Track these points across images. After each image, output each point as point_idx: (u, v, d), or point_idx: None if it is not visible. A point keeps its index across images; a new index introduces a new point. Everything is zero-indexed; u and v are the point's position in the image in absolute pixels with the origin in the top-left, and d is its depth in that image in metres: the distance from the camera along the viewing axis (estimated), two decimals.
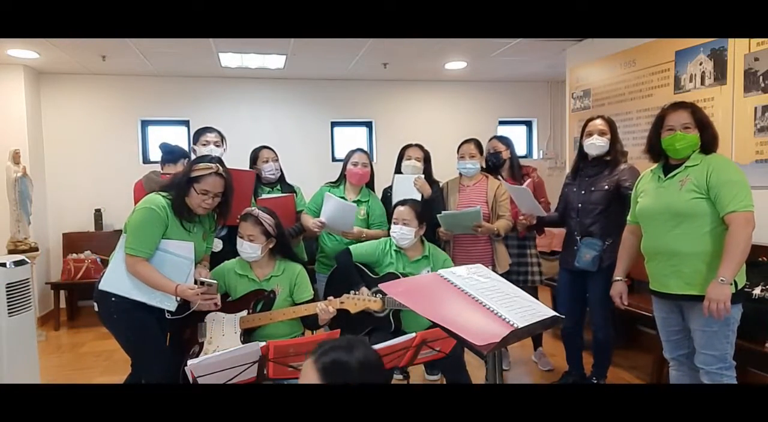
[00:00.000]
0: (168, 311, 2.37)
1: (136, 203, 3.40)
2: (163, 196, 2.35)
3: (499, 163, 3.61)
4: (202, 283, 2.31)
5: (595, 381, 3.16)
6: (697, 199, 2.16)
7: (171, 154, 3.35)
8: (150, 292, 2.31)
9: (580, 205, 3.05)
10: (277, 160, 3.43)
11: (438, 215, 3.12)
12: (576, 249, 3.03)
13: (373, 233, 3.16)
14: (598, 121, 3.03)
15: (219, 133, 3.32)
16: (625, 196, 2.85)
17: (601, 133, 2.99)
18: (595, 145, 2.98)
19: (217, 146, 3.23)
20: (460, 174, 3.42)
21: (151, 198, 2.35)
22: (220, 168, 2.37)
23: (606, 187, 2.97)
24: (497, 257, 3.27)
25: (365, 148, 6.31)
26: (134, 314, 2.32)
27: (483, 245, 3.27)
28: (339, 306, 2.45)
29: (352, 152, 3.28)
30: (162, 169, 3.36)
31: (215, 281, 2.36)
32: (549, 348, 3.98)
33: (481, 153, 3.38)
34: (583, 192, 3.05)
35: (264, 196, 3.29)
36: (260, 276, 2.54)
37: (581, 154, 3.12)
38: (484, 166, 3.43)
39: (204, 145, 3.19)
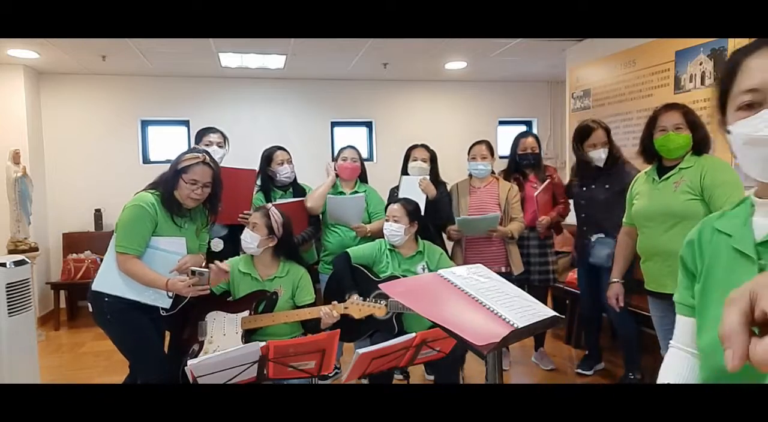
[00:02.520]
0: (162, 308, 2.36)
1: None
2: (151, 193, 2.35)
3: (536, 162, 3.58)
4: (193, 273, 2.28)
5: (632, 377, 3.21)
6: (692, 200, 2.18)
7: None
8: (142, 290, 2.30)
9: (586, 203, 3.20)
10: (291, 162, 3.39)
11: (457, 219, 3.15)
12: (590, 247, 3.16)
13: (377, 227, 3.19)
14: (601, 133, 3.13)
15: (222, 133, 3.30)
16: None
17: (604, 144, 3.13)
18: (601, 158, 3.12)
19: (220, 147, 3.22)
20: (470, 175, 3.42)
21: (139, 195, 2.35)
22: (207, 157, 2.37)
23: (607, 185, 3.09)
24: (511, 259, 3.28)
25: (365, 147, 6.37)
26: (128, 315, 2.31)
27: (496, 246, 3.29)
28: (343, 311, 2.45)
29: (343, 149, 3.39)
30: None
31: (207, 269, 2.31)
32: (549, 348, 3.98)
33: (492, 154, 3.40)
34: (584, 189, 3.19)
35: (278, 200, 3.26)
36: (263, 276, 2.54)
37: (580, 157, 3.23)
38: (493, 169, 3.45)
39: (207, 145, 3.18)
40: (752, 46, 0.85)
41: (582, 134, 3.19)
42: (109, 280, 2.32)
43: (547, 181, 3.49)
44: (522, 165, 3.56)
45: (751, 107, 0.82)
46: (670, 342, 1.08)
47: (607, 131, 3.16)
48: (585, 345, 3.73)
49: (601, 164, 3.14)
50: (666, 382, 1.02)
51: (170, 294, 2.32)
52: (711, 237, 0.95)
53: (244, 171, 3.08)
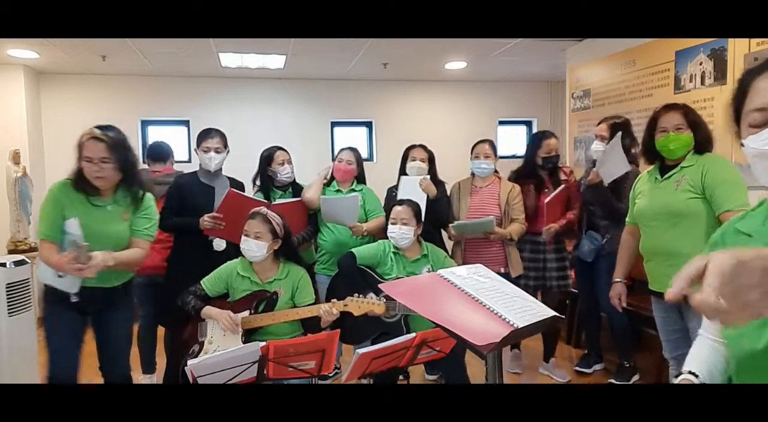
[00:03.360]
0: (73, 294, 2.28)
1: None
2: (65, 179, 2.33)
3: (557, 164, 3.53)
4: (72, 245, 2.15)
5: (626, 365, 3.29)
6: (693, 198, 2.18)
7: (159, 151, 3.59)
8: (52, 275, 2.27)
9: (588, 199, 3.27)
10: (291, 162, 3.40)
11: (451, 225, 3.16)
12: (580, 241, 3.27)
13: (374, 225, 3.18)
14: (602, 126, 3.25)
15: (221, 136, 3.18)
16: (621, 191, 3.05)
17: (602, 139, 3.18)
18: (597, 149, 3.20)
19: (218, 152, 3.09)
20: (473, 174, 3.42)
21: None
22: (98, 132, 2.26)
23: (606, 183, 3.11)
24: (510, 260, 3.27)
25: (365, 147, 6.37)
26: (52, 306, 2.33)
27: (496, 248, 3.28)
28: (342, 309, 2.44)
29: (342, 150, 3.40)
30: (149, 166, 3.52)
31: (85, 244, 2.14)
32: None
33: (495, 154, 3.39)
34: (589, 188, 3.21)
35: (278, 200, 3.26)
36: (263, 279, 2.52)
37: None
38: (496, 168, 3.44)
39: (204, 152, 3.08)
40: (760, 68, 0.94)
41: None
42: (39, 269, 2.35)
43: (562, 186, 3.35)
44: (544, 168, 3.45)
45: (762, 125, 0.91)
46: (699, 330, 1.16)
47: (612, 127, 3.19)
48: (585, 343, 3.75)
49: (594, 157, 3.22)
50: (691, 368, 1.10)
51: (61, 274, 2.25)
52: (734, 237, 1.05)
53: (256, 201, 3.05)
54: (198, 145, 3.15)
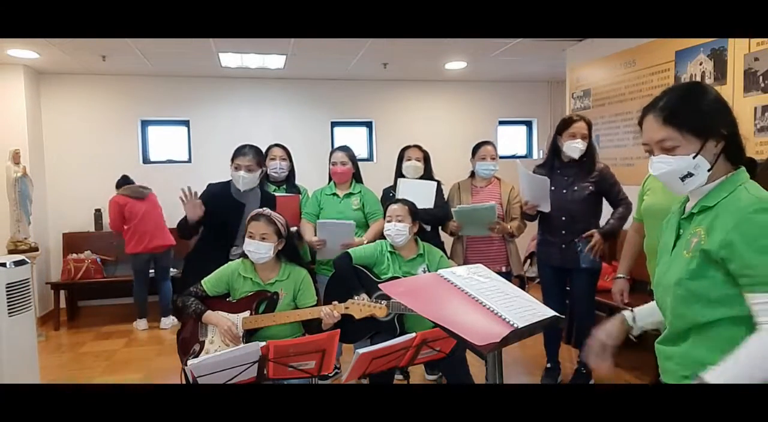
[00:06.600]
0: None
1: (113, 216, 4.54)
2: None
3: None
4: None
5: (584, 372, 3.23)
6: None
7: (126, 180, 4.97)
8: None
9: (565, 205, 3.09)
10: (285, 159, 3.45)
11: (453, 210, 3.16)
12: (578, 250, 3.08)
13: (372, 234, 3.18)
14: (581, 125, 3.08)
15: (255, 154, 2.94)
16: (609, 192, 3.04)
17: (584, 137, 3.06)
18: (578, 148, 3.05)
19: (250, 171, 2.89)
20: (472, 175, 3.43)
21: None
22: None
23: (591, 187, 3.05)
24: (512, 258, 3.29)
25: (365, 147, 6.37)
26: None
27: (497, 246, 3.29)
28: (344, 311, 2.44)
29: (333, 151, 3.41)
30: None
31: None
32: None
33: (497, 155, 3.42)
34: (564, 191, 3.09)
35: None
36: (264, 280, 2.51)
37: (556, 153, 3.18)
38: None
39: (236, 169, 2.90)
40: (644, 110, 1.26)
41: (563, 125, 3.14)
42: None
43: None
44: None
45: (651, 152, 1.25)
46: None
47: (589, 126, 3.11)
48: (546, 354, 3.43)
49: (576, 156, 3.05)
50: (633, 309, 1.47)
51: None
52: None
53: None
54: (232, 160, 2.96)
